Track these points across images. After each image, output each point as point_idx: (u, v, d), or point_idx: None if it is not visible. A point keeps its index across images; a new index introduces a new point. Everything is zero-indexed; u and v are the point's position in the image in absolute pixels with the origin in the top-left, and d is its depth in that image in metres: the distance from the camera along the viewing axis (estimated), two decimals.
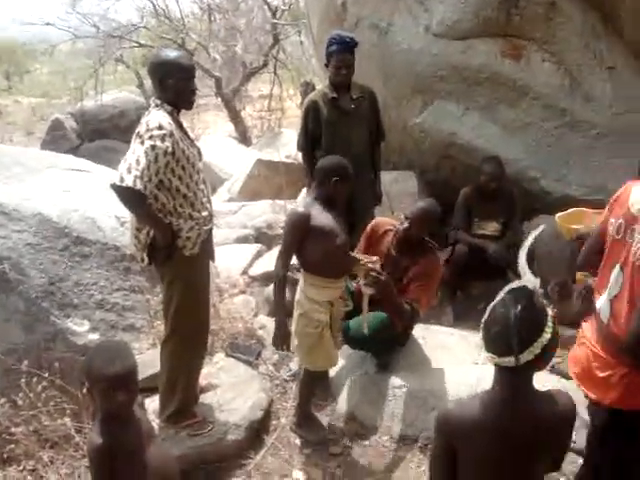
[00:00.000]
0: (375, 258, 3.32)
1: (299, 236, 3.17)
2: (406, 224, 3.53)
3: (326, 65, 4.43)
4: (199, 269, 3.25)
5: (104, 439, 2.23)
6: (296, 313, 3.29)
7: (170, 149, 2.91)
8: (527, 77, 4.91)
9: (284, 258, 3.21)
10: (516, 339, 1.83)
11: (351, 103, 4.38)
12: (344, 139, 4.33)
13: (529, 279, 1.94)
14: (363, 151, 4.44)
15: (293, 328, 3.30)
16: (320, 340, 3.26)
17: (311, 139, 4.49)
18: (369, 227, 3.81)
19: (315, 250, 3.17)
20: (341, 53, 4.26)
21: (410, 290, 3.53)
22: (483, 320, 1.95)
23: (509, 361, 1.84)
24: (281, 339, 3.24)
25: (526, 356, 1.84)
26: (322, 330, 3.24)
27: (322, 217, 3.17)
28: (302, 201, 3.28)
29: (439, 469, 2.05)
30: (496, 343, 1.87)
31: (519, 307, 1.85)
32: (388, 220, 3.85)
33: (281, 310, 3.25)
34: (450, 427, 1.96)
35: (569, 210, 4.39)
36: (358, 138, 4.40)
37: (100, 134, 14.15)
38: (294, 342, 3.31)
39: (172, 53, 3.15)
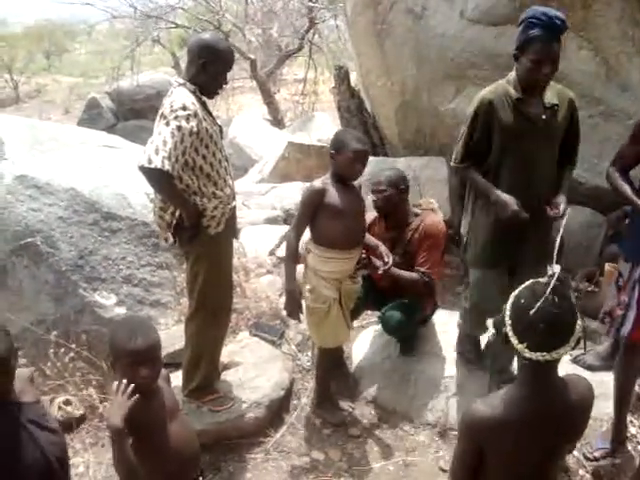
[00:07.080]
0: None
1: (311, 210, 3.21)
2: (373, 197, 3.61)
3: (515, 56, 3.09)
4: (223, 247, 3.28)
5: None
6: (305, 289, 3.32)
7: (195, 129, 2.93)
8: (562, 64, 4.74)
9: (296, 230, 3.27)
10: (561, 333, 1.79)
11: (543, 112, 3.11)
12: (527, 157, 3.13)
13: (554, 267, 1.88)
14: (549, 175, 3.20)
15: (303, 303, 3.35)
16: (327, 316, 3.28)
17: (474, 152, 3.25)
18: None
19: (326, 226, 3.19)
20: (546, 42, 2.97)
21: (417, 260, 3.57)
22: (513, 315, 1.86)
23: (551, 356, 1.79)
24: (291, 306, 3.27)
25: (566, 349, 1.79)
26: (329, 306, 3.27)
27: (336, 195, 3.17)
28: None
29: (465, 472, 1.99)
30: (540, 339, 1.79)
31: (557, 299, 1.79)
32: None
33: (292, 278, 3.26)
34: (480, 430, 1.89)
35: None
36: (546, 158, 3.17)
37: (136, 114, 14.37)
38: (304, 317, 3.38)
39: (223, 42, 3.24)
